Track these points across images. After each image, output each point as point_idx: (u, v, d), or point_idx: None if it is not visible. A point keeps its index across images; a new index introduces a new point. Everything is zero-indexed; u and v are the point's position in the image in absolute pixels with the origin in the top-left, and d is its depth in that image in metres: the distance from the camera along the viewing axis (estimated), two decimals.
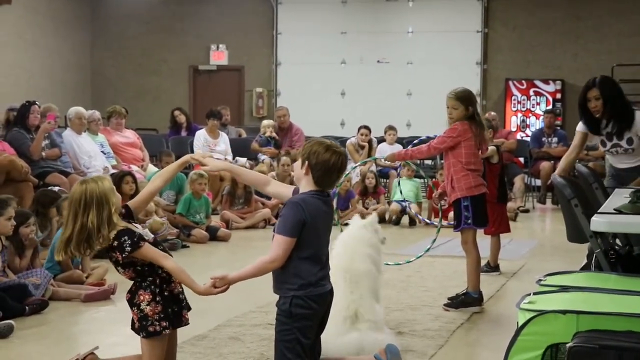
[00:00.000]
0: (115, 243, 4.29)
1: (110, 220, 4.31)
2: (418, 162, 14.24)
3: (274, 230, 4.24)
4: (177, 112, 15.35)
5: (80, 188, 4.36)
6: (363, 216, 5.75)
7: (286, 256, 4.16)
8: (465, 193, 6.53)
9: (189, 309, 4.56)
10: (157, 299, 4.37)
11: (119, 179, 9.64)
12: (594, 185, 6.04)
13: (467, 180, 6.54)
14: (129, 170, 10.62)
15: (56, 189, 8.98)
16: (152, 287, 4.38)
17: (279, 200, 11.60)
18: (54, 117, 10.59)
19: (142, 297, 4.37)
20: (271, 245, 4.20)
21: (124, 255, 4.29)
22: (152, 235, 4.50)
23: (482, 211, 6.66)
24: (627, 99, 7.04)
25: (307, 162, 4.28)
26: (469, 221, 6.55)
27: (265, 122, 14.95)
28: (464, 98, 6.61)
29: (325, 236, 4.32)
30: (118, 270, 4.45)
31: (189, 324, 4.58)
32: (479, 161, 6.71)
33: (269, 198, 12.19)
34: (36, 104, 10.49)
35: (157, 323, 4.35)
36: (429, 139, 6.98)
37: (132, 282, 4.46)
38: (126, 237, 4.28)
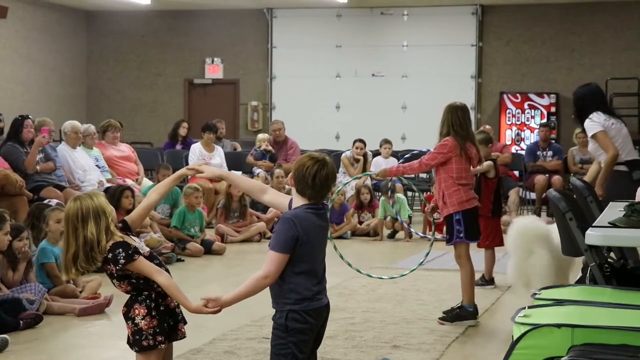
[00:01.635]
0: (110, 255, 4.29)
1: (108, 230, 4.31)
2: (413, 176, 14.25)
3: (269, 245, 4.23)
4: (184, 124, 15.48)
5: (75, 204, 4.36)
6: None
7: (279, 272, 4.15)
8: (457, 208, 6.55)
9: (185, 322, 4.55)
10: (153, 313, 4.36)
11: (119, 193, 9.64)
12: (589, 199, 6.05)
13: (459, 195, 6.56)
14: (127, 185, 10.61)
15: (54, 202, 8.94)
16: (148, 301, 4.37)
17: (274, 214, 11.64)
18: (47, 131, 10.59)
19: (137, 312, 4.36)
20: (264, 262, 4.20)
21: (117, 267, 4.29)
22: (148, 249, 4.49)
23: (474, 225, 6.68)
24: (588, 100, 7.51)
25: (291, 174, 4.30)
26: (461, 235, 6.57)
27: (260, 135, 14.98)
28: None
29: (320, 250, 4.31)
30: (114, 283, 4.44)
31: (185, 337, 4.57)
32: (470, 175, 6.74)
33: (264, 211, 12.19)
34: (29, 118, 10.50)
35: (152, 337, 4.34)
36: (421, 153, 7.01)
37: (129, 295, 4.45)
38: (120, 250, 4.28)
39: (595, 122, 7.36)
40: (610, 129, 7.36)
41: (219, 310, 4.25)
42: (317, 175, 4.20)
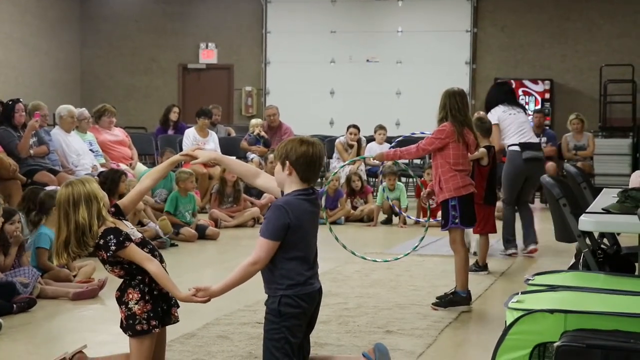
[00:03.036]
0: (101, 242, 4.29)
1: (99, 215, 4.32)
2: (407, 161, 14.25)
3: (260, 231, 4.23)
4: (175, 109, 15.35)
5: (66, 190, 4.36)
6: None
7: (268, 258, 4.15)
8: (453, 193, 6.54)
9: (178, 306, 4.56)
10: (147, 297, 4.36)
11: (118, 177, 9.60)
12: (583, 185, 6.07)
13: (455, 180, 6.55)
14: (123, 170, 10.58)
15: (51, 188, 8.89)
16: (142, 285, 4.37)
17: (269, 199, 11.63)
18: (39, 115, 10.55)
19: (130, 296, 4.36)
20: (254, 248, 4.20)
21: (108, 254, 4.29)
22: (140, 235, 4.49)
23: (470, 211, 6.67)
24: (494, 96, 9.43)
25: (287, 161, 4.24)
26: (457, 221, 6.56)
27: (254, 120, 14.96)
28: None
29: (312, 236, 4.31)
30: (106, 269, 4.45)
31: (178, 321, 4.58)
32: (467, 161, 6.72)
33: (258, 197, 12.19)
34: (20, 102, 10.46)
35: (145, 322, 4.35)
36: (406, 138, 7.01)
37: (122, 280, 4.45)
38: (112, 236, 4.28)
39: (492, 115, 9.14)
40: (505, 119, 9.10)
41: (208, 300, 4.25)
42: (314, 155, 4.23)
